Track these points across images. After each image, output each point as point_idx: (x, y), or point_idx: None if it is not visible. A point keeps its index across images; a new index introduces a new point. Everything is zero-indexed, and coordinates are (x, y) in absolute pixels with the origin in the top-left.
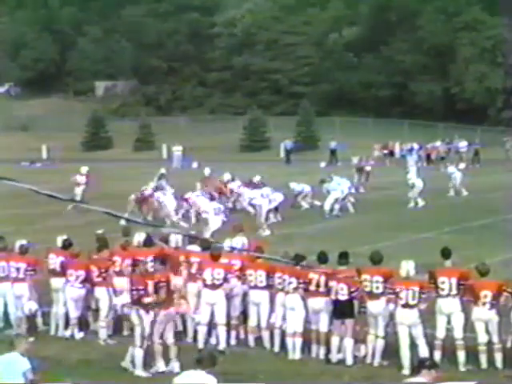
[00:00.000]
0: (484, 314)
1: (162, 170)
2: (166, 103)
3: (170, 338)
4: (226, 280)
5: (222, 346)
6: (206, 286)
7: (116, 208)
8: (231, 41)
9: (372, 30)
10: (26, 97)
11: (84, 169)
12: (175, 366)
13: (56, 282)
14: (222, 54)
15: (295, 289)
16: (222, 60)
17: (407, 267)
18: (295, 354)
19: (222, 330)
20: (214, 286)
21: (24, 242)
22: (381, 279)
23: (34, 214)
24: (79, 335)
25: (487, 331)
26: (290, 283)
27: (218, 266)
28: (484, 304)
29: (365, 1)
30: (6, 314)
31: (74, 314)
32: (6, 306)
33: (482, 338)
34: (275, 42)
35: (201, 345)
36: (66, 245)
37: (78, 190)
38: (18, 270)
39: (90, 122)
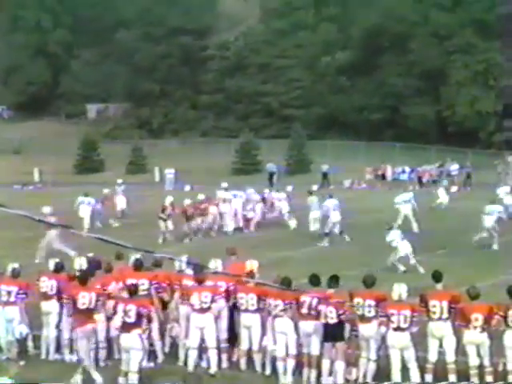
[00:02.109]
0: (475, 337)
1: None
2: (159, 126)
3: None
4: (213, 301)
5: (214, 369)
6: (194, 310)
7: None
8: (223, 64)
9: (364, 53)
10: (19, 120)
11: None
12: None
13: (47, 306)
14: (215, 77)
15: (283, 311)
16: (214, 83)
17: (399, 290)
18: (287, 377)
19: (213, 354)
20: (202, 310)
21: (16, 265)
22: (373, 303)
23: (25, 237)
24: (71, 358)
25: (479, 354)
26: (276, 306)
27: (205, 289)
28: (475, 327)
29: (356, 24)
30: None
31: (68, 335)
32: None
33: (474, 361)
34: (267, 65)
35: (191, 368)
36: (59, 268)
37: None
38: (9, 293)
39: (82, 145)
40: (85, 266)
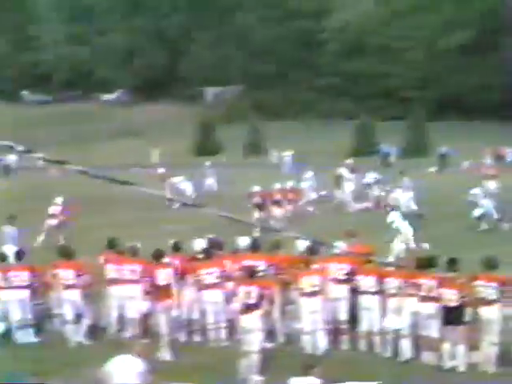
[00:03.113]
0: None
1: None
2: (275, 108)
3: None
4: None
5: (323, 353)
6: (303, 294)
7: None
8: (341, 46)
9: (483, 32)
10: (138, 103)
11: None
12: None
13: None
14: (332, 59)
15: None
16: (331, 65)
17: None
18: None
19: (321, 337)
20: (311, 294)
21: (136, 244)
22: (495, 285)
23: (149, 218)
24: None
25: None
26: (400, 287)
27: (314, 272)
28: None
29: (476, 3)
30: (121, 316)
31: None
32: (121, 308)
33: None
34: (385, 47)
35: (308, 350)
36: (177, 247)
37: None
38: (133, 271)
39: (200, 128)
40: (204, 246)
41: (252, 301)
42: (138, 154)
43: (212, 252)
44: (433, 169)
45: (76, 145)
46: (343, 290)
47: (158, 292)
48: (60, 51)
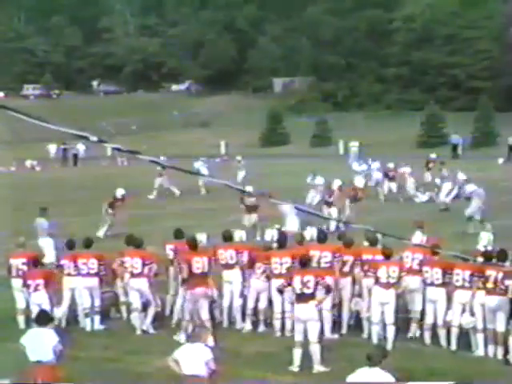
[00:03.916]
0: None
1: None
2: (344, 99)
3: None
4: (399, 278)
5: (389, 345)
6: (379, 283)
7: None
8: (409, 36)
9: None
10: (206, 94)
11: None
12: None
13: (228, 274)
14: (400, 50)
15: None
16: (399, 55)
17: None
18: (478, 350)
19: (391, 330)
20: (387, 285)
21: (204, 236)
22: None
23: (215, 208)
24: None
25: None
26: (469, 280)
27: (393, 264)
28: None
29: None
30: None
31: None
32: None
33: None
34: (454, 37)
35: (375, 341)
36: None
37: None
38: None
39: (268, 119)
40: (276, 236)
41: (308, 290)
42: (206, 145)
43: (285, 242)
44: (501, 160)
45: (145, 135)
46: (417, 281)
47: (193, 280)
48: (131, 43)
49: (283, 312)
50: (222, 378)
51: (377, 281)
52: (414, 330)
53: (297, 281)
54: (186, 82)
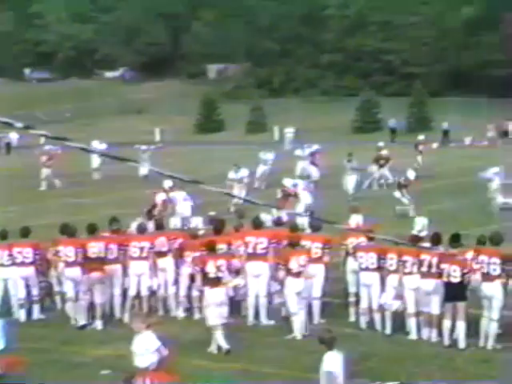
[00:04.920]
0: None
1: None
2: (279, 85)
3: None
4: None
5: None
6: (291, 274)
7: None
8: (344, 22)
9: (489, 7)
10: (140, 81)
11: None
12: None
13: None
14: (335, 36)
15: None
16: (334, 41)
17: None
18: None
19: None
20: (297, 274)
21: (141, 220)
22: (498, 261)
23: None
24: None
25: None
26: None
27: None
28: None
29: None
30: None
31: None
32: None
33: None
34: (388, 23)
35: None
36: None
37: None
38: (141, 249)
39: (203, 105)
40: (200, 225)
41: (221, 274)
42: (141, 132)
43: (221, 228)
44: (435, 145)
45: (80, 122)
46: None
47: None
48: (64, 29)
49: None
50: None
51: (288, 272)
52: (352, 315)
53: (210, 265)
54: (120, 69)
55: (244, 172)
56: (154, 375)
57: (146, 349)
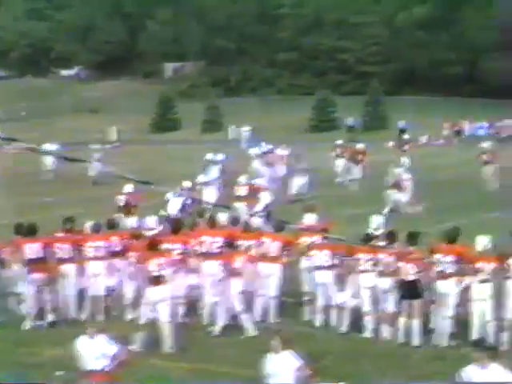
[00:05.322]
0: None
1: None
2: (235, 84)
3: None
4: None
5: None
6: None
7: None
8: (299, 21)
9: (442, 7)
10: (96, 79)
11: None
12: None
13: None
14: (291, 35)
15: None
16: (290, 40)
17: (483, 242)
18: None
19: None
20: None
21: (97, 222)
22: (453, 259)
23: (98, 196)
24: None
25: None
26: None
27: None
28: None
29: None
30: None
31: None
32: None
33: None
34: (344, 22)
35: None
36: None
37: None
38: (96, 249)
39: (159, 104)
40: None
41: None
42: (97, 131)
43: (177, 228)
44: (391, 143)
45: (35, 121)
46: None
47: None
48: (18, 27)
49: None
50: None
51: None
52: (307, 314)
53: (152, 264)
54: (76, 67)
55: (214, 173)
56: (105, 377)
57: (102, 353)
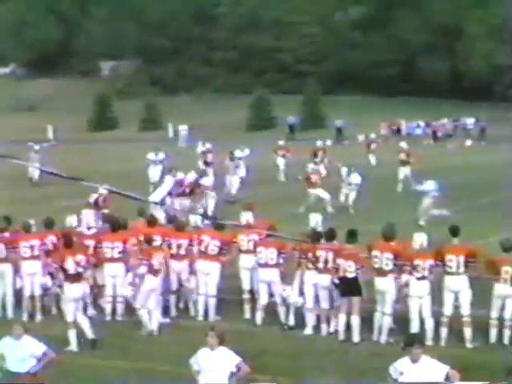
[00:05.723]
0: (505, 290)
1: None
2: (172, 83)
3: None
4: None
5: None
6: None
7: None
8: (236, 20)
9: (378, 8)
10: (31, 78)
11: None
12: None
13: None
14: (227, 34)
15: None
16: (226, 39)
17: (420, 239)
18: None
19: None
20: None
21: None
22: (391, 256)
23: (35, 195)
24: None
25: (502, 307)
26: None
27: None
28: (505, 280)
29: None
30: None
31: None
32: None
33: (496, 313)
34: (280, 21)
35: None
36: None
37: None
38: (31, 248)
39: (96, 103)
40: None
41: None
42: (33, 130)
43: (117, 226)
44: (329, 142)
45: None
46: (252, 261)
47: None
48: None
49: (114, 296)
50: (56, 368)
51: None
52: (247, 312)
53: (69, 261)
54: (11, 65)
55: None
56: (30, 379)
57: (30, 353)
